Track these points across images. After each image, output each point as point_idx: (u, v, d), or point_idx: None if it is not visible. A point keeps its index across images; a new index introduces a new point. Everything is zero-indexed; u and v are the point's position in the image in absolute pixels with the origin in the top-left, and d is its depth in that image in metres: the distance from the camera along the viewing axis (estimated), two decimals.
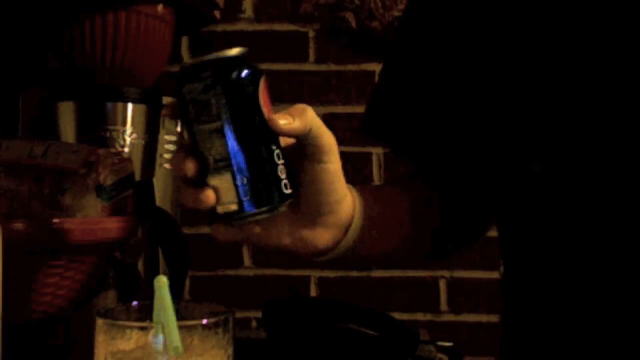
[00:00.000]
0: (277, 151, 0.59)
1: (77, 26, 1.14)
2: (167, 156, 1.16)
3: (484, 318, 1.50)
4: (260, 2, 1.56)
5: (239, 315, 1.47)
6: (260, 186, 0.58)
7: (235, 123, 0.57)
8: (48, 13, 1.15)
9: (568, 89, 0.65)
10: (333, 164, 0.61)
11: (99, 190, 0.85)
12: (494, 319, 1.47)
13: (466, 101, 0.73)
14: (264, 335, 1.13)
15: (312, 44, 1.54)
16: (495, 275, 1.47)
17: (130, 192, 0.89)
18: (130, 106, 1.14)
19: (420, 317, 1.51)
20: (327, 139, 0.61)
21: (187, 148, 0.58)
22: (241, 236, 0.63)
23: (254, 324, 1.51)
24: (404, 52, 0.79)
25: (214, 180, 0.57)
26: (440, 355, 1.20)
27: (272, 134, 0.59)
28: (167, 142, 1.17)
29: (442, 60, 0.74)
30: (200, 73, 0.58)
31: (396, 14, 1.46)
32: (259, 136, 0.58)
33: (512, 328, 0.75)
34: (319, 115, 0.62)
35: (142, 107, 1.15)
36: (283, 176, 0.58)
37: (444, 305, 1.51)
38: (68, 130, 1.15)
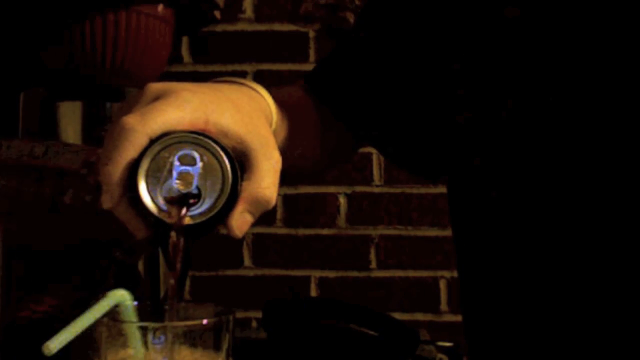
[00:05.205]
0: None
1: (78, 26, 1.14)
2: None
3: None
4: (260, 2, 1.56)
5: (239, 315, 1.47)
6: None
7: None
8: (48, 13, 1.16)
9: (512, 81, 0.66)
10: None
11: (99, 189, 0.85)
12: None
13: (409, 84, 0.75)
14: (264, 335, 1.13)
15: (312, 44, 1.55)
16: None
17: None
18: None
19: (420, 317, 1.51)
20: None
21: None
22: None
23: (254, 324, 1.51)
24: (365, 29, 0.80)
25: None
26: (440, 355, 1.20)
27: None
28: None
29: (399, 39, 0.75)
30: None
31: None
32: None
33: (473, 329, 0.76)
34: None
35: None
36: None
37: (444, 305, 1.51)
38: (68, 130, 1.16)
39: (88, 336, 0.53)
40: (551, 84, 0.64)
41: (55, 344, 0.48)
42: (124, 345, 0.52)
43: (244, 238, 1.53)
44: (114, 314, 0.54)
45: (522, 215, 0.66)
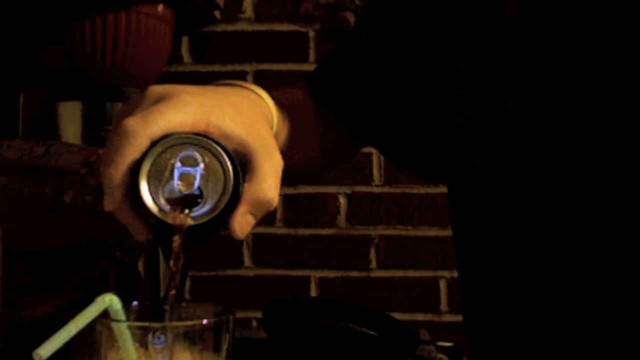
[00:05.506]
0: None
1: (78, 26, 1.14)
2: None
3: None
4: (260, 2, 1.56)
5: (239, 315, 1.47)
6: None
7: None
8: (48, 13, 1.16)
9: (511, 80, 0.66)
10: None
11: (99, 190, 0.85)
12: None
13: (409, 85, 0.75)
14: (264, 335, 1.13)
15: (312, 44, 1.55)
16: None
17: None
18: None
19: (420, 317, 1.51)
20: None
21: None
22: None
23: (254, 324, 1.51)
24: (365, 30, 0.80)
25: None
26: (440, 355, 1.20)
27: None
28: None
29: (398, 44, 0.75)
30: None
31: None
32: None
33: (474, 327, 0.76)
34: None
35: None
36: None
37: (444, 305, 1.51)
38: (68, 130, 1.16)
39: (88, 336, 0.53)
40: (551, 83, 0.64)
41: (45, 351, 0.48)
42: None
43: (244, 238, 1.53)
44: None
45: (522, 215, 0.66)
